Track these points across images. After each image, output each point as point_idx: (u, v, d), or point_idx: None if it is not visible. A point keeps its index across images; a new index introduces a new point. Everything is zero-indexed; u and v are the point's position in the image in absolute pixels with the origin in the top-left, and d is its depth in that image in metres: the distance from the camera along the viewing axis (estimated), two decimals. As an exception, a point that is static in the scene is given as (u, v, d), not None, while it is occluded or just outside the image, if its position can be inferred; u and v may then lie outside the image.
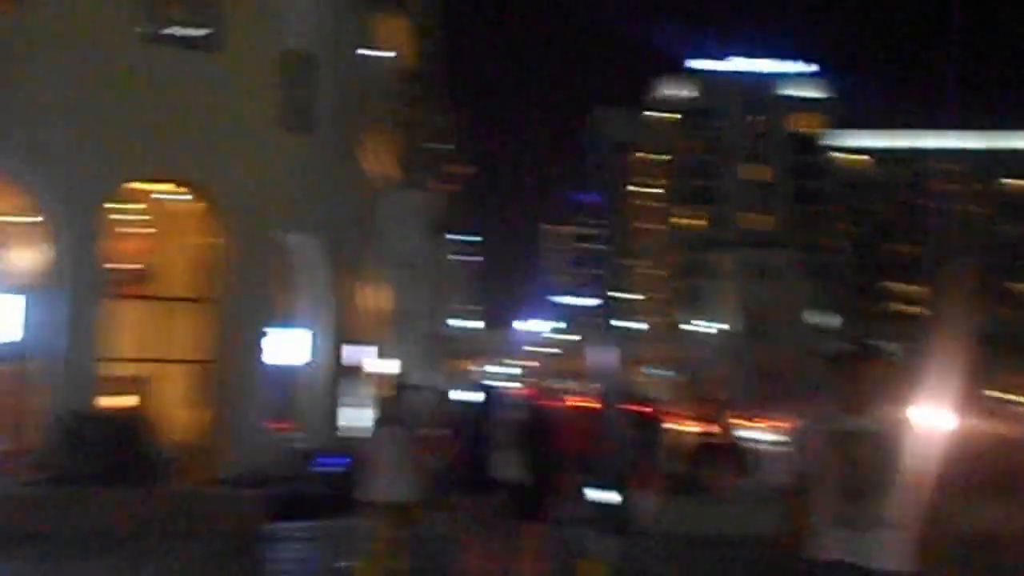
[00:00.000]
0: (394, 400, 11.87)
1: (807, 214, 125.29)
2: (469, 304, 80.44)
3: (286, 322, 24.30)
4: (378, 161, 39.20)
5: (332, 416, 25.19)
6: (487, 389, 12.36)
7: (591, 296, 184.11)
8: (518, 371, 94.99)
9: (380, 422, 11.39)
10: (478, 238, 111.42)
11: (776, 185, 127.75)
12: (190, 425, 22.10)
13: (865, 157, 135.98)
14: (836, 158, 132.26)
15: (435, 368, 64.07)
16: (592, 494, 15.73)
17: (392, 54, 41.05)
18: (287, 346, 23.62)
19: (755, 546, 13.87)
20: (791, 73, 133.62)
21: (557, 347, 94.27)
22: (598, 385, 15.63)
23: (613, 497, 14.80)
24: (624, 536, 14.49)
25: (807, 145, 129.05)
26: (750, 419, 49.93)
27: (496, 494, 10.56)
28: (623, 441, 14.82)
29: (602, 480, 15.13)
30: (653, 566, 11.83)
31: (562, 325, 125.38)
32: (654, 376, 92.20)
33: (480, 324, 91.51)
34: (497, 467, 10.55)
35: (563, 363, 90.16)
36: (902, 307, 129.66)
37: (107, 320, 20.22)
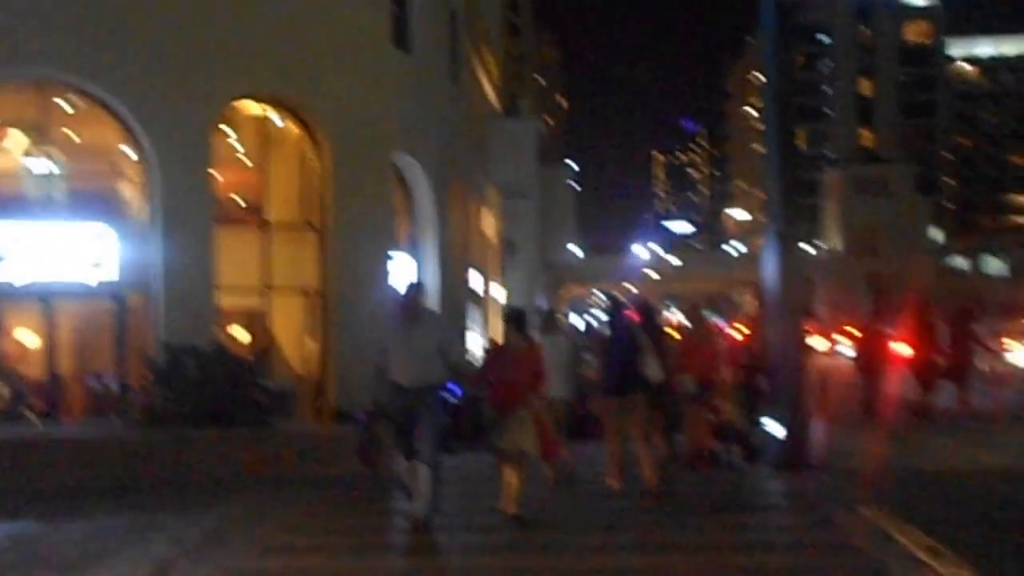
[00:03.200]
0: (551, 316, 14.34)
1: (917, 128, 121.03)
2: (575, 231, 79.36)
3: (398, 248, 23.30)
4: (486, 88, 38.07)
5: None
6: (615, 306, 12.94)
7: (695, 221, 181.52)
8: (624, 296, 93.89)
9: (543, 333, 13.28)
10: (584, 166, 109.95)
11: (884, 99, 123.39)
12: (303, 359, 21.29)
13: (974, 67, 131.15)
14: (946, 68, 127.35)
15: (544, 293, 63.17)
16: (760, 424, 14.34)
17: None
18: (401, 273, 22.52)
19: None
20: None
21: (662, 272, 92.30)
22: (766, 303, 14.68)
23: (781, 429, 13.44)
24: (797, 471, 13.02)
25: (915, 56, 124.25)
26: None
27: (641, 391, 12.21)
28: (795, 366, 13.50)
29: (769, 410, 13.80)
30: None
31: (666, 250, 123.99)
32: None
33: (585, 251, 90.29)
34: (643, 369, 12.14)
35: (667, 287, 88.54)
36: (1017, 219, 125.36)
37: (215, 251, 19.48)
